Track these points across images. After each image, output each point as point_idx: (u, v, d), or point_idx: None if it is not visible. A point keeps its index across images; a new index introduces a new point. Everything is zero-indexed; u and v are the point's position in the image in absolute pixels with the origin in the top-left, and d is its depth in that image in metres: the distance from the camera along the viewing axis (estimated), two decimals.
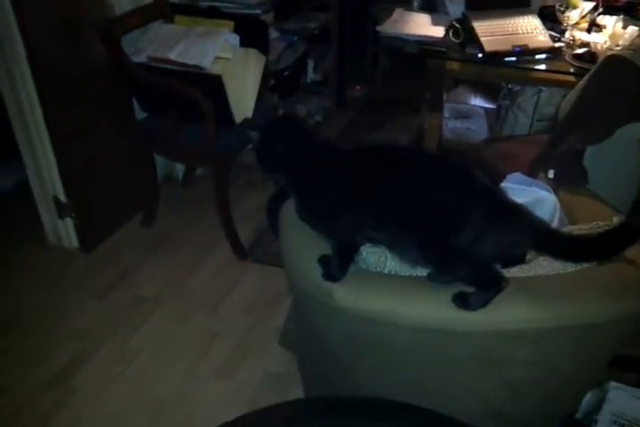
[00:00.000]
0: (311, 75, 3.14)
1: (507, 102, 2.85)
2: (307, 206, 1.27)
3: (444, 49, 2.27)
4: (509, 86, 2.85)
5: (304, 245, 1.38)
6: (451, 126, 3.01)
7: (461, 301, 1.17)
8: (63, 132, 2.27)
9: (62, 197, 2.41)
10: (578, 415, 1.68)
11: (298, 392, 1.89)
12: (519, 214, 1.14)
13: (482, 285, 1.15)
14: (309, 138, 1.28)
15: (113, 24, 2.14)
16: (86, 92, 2.31)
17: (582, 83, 1.74)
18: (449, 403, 1.40)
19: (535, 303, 1.19)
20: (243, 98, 2.22)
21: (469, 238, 1.11)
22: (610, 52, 1.67)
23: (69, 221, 2.47)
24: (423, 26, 2.39)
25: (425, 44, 2.32)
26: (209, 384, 2.01)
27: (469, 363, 1.30)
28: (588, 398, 1.67)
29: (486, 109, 3.20)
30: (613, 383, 1.67)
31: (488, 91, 3.22)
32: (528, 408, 1.45)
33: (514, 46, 2.22)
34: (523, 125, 2.85)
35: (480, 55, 2.23)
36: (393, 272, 1.34)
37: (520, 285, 1.21)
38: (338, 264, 1.25)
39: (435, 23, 2.41)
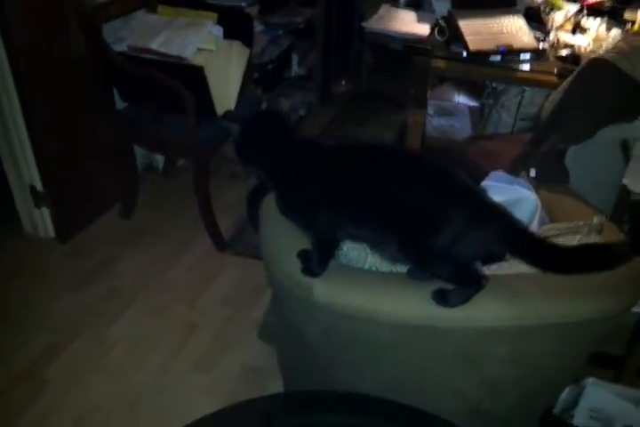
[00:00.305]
0: (296, 69, 3.12)
1: (490, 101, 2.87)
2: (287, 201, 1.26)
3: (429, 47, 2.27)
4: (493, 85, 2.87)
5: (284, 240, 1.37)
6: (434, 124, 3.01)
7: (441, 298, 1.17)
8: (40, 121, 2.23)
9: (39, 186, 2.37)
10: (555, 411, 1.70)
11: (277, 386, 1.87)
12: (499, 215, 1.15)
13: (461, 283, 1.16)
14: (291, 133, 1.27)
15: (94, 12, 2.10)
16: (65, 81, 2.27)
17: (566, 84, 1.75)
18: (428, 400, 1.41)
19: (515, 301, 1.20)
20: (225, 90, 2.19)
21: (449, 238, 1.12)
22: (594, 55, 1.68)
23: (46, 211, 2.43)
24: (409, 23, 2.39)
25: (410, 41, 2.32)
26: (187, 377, 1.99)
27: (449, 360, 1.31)
28: (566, 393, 1.69)
29: (470, 107, 3.21)
30: (591, 379, 1.69)
31: (472, 89, 3.23)
32: (507, 405, 1.46)
33: (498, 46, 2.22)
34: (506, 124, 2.86)
35: (465, 54, 2.24)
36: (373, 268, 1.35)
37: (500, 283, 1.22)
38: (318, 259, 1.25)
39: (420, 21, 2.40)
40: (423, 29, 2.35)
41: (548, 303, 1.22)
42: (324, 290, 1.24)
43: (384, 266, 1.32)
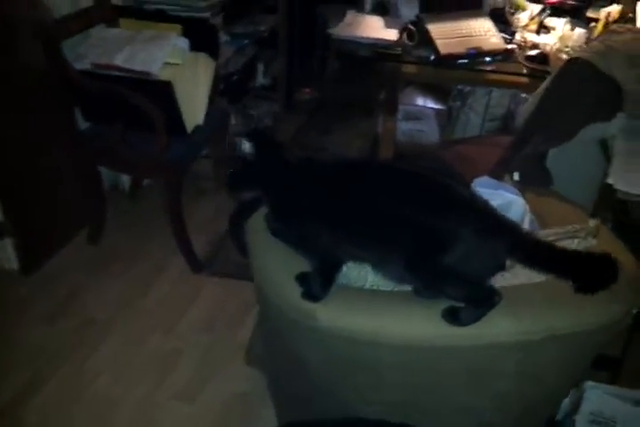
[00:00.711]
0: (261, 79, 3.06)
1: (458, 103, 2.86)
2: (286, 224, 1.19)
3: (399, 52, 2.24)
4: (459, 87, 2.86)
5: (279, 263, 1.30)
6: (403, 129, 2.97)
7: (452, 316, 1.13)
8: None
9: None
10: (558, 417, 1.67)
11: (267, 412, 1.80)
12: (507, 227, 1.11)
13: (474, 301, 1.11)
14: (282, 153, 1.21)
15: (52, 29, 1.98)
16: (23, 102, 2.14)
17: (545, 85, 1.74)
18: (435, 418, 1.37)
19: (525, 315, 1.16)
20: (193, 105, 2.11)
21: (459, 255, 1.07)
22: (572, 55, 1.67)
23: (8, 242, 2.29)
24: (376, 29, 2.35)
25: (379, 46, 2.28)
26: (173, 408, 1.90)
27: (457, 378, 1.26)
28: (567, 399, 1.67)
29: (435, 110, 3.19)
30: (589, 383, 1.67)
31: (436, 92, 3.22)
32: (513, 417, 1.42)
33: (468, 49, 2.21)
34: (474, 126, 2.86)
35: (435, 58, 2.21)
36: (375, 287, 1.28)
37: (506, 295, 1.17)
38: (320, 283, 1.18)
39: (388, 26, 2.37)
40: (391, 35, 2.31)
41: (558, 314, 1.18)
42: (328, 315, 1.18)
43: (386, 284, 1.26)
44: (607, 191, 1.73)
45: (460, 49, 2.20)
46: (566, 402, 1.68)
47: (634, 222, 1.59)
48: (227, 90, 2.58)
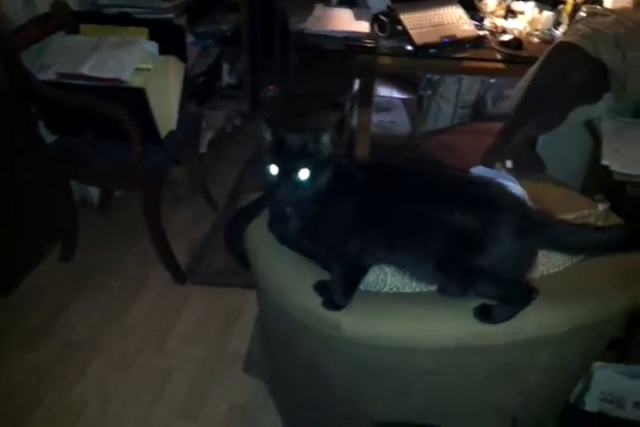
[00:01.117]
0: (227, 78, 2.96)
1: (429, 92, 2.83)
2: (314, 230, 1.13)
3: (373, 44, 2.19)
4: (428, 76, 2.84)
5: (293, 273, 1.24)
6: (374, 121, 2.93)
7: (485, 315, 1.09)
8: None
9: None
10: (571, 400, 1.67)
11: (271, 421, 1.76)
12: (542, 222, 1.09)
13: (511, 300, 1.08)
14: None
15: (9, 38, 1.83)
16: None
17: (532, 70, 1.72)
18: (459, 418, 1.33)
19: (555, 307, 1.14)
20: (166, 110, 2.01)
21: (495, 256, 1.04)
22: (561, 39, 1.66)
23: None
24: (347, 21, 2.29)
25: (352, 39, 2.23)
26: None
27: (488, 376, 1.23)
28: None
29: (404, 100, 3.17)
30: (598, 363, 1.68)
31: (402, 81, 3.19)
32: (538, 409, 1.40)
33: (442, 37, 2.18)
34: (446, 114, 2.85)
35: (410, 48, 2.17)
36: (395, 289, 1.23)
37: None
38: (343, 290, 1.13)
39: (358, 18, 2.32)
40: (363, 27, 2.26)
41: (587, 304, 1.16)
42: (353, 323, 1.12)
43: (406, 285, 1.21)
44: (601, 173, 1.73)
45: (435, 38, 2.17)
46: (578, 385, 1.69)
47: (631, 203, 1.58)
48: (194, 92, 2.48)
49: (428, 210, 1.07)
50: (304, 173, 1.03)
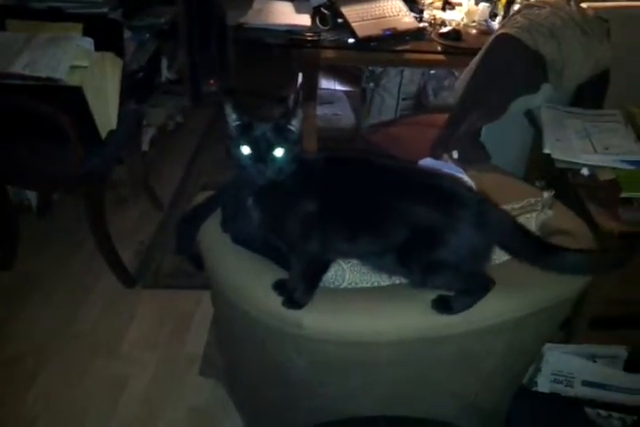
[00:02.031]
0: (166, 73, 2.87)
1: (372, 84, 2.85)
2: (274, 226, 1.11)
3: (315, 37, 2.18)
4: (370, 68, 2.85)
5: (251, 274, 1.22)
6: (318, 114, 2.93)
7: (443, 306, 1.11)
8: None
9: None
10: (524, 382, 1.72)
11: (232, 423, 1.75)
12: (500, 217, 1.11)
13: (469, 291, 1.10)
14: None
15: None
16: None
17: (474, 62, 1.75)
18: (421, 406, 1.35)
19: (513, 294, 1.16)
20: (105, 109, 1.93)
21: (454, 247, 1.05)
22: (500, 31, 1.69)
23: None
24: (288, 14, 2.26)
25: (294, 33, 2.20)
26: None
27: (448, 365, 1.25)
28: None
29: (346, 93, 3.17)
30: (547, 345, 1.73)
31: (346, 74, 3.19)
32: (495, 393, 1.44)
33: (384, 30, 2.19)
34: (389, 106, 2.87)
35: (352, 41, 2.17)
36: (353, 284, 1.23)
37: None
38: (304, 288, 1.12)
39: (298, 11, 2.29)
40: (304, 20, 2.24)
41: (540, 289, 1.19)
42: (315, 321, 1.12)
43: (364, 280, 1.22)
44: (543, 161, 1.78)
45: (377, 31, 2.18)
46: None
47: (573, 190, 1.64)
48: (134, 89, 2.40)
49: (389, 202, 1.07)
50: (279, 151, 1.02)
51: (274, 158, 1.02)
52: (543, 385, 1.75)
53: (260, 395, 1.53)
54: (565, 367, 1.76)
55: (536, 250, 1.10)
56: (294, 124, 1.04)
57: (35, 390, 1.87)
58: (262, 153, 1.02)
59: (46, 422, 1.78)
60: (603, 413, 1.62)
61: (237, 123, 1.04)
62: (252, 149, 1.02)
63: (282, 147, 1.02)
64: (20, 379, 1.90)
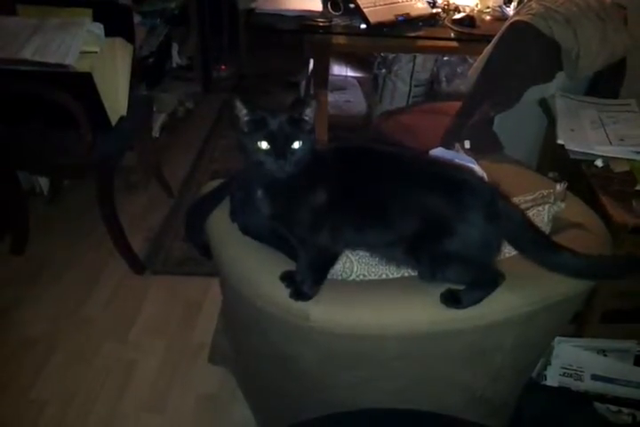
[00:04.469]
0: (177, 59, 2.86)
1: (383, 71, 2.81)
2: (283, 217, 1.10)
3: (327, 23, 2.14)
4: (383, 55, 2.81)
5: (259, 264, 1.21)
6: (330, 100, 2.90)
7: (452, 300, 1.10)
8: None
9: None
10: (533, 375, 1.71)
11: (241, 411, 1.75)
12: (513, 213, 1.09)
13: (479, 285, 1.09)
14: None
15: None
16: None
17: (488, 50, 1.72)
18: (431, 399, 1.35)
19: (523, 289, 1.15)
20: (115, 95, 1.92)
21: (465, 239, 1.04)
22: (514, 18, 1.65)
23: None
24: (299, 0, 2.23)
25: (306, 19, 2.17)
26: (140, 422, 1.77)
27: (456, 359, 1.24)
28: None
29: (358, 79, 3.15)
30: (557, 338, 1.72)
31: (356, 60, 3.16)
32: (503, 387, 1.43)
33: (397, 16, 2.15)
34: (401, 92, 2.84)
35: (364, 27, 2.14)
36: (361, 277, 1.22)
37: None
38: (312, 280, 1.11)
39: None
40: (316, 5, 2.21)
41: (551, 284, 1.17)
42: (323, 313, 1.11)
43: (373, 273, 1.21)
44: (556, 152, 1.75)
45: (390, 16, 2.14)
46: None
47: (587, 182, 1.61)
48: (144, 74, 2.39)
49: (398, 192, 1.06)
50: (298, 144, 1.00)
51: (293, 152, 1.00)
52: (552, 379, 1.74)
53: (266, 385, 1.53)
54: (575, 361, 1.75)
55: (542, 248, 1.08)
56: (308, 115, 1.02)
57: (44, 374, 1.89)
58: (281, 147, 1.00)
59: (55, 407, 1.80)
60: (612, 408, 1.60)
61: (249, 117, 1.02)
62: (270, 143, 1.00)
63: (300, 139, 1.00)
64: (30, 363, 1.92)
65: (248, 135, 1.01)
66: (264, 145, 1.00)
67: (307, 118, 1.02)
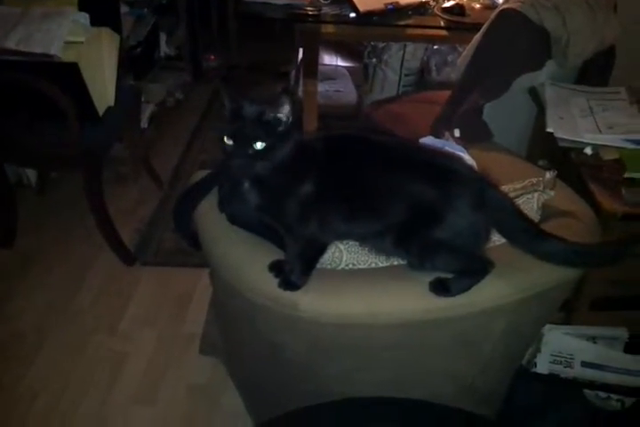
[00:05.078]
0: (165, 49, 2.83)
1: (373, 60, 2.80)
2: (271, 208, 1.09)
3: (316, 12, 2.13)
4: (373, 44, 2.79)
5: (248, 254, 1.21)
6: (320, 90, 2.88)
7: (441, 288, 1.09)
8: None
9: None
10: (523, 362, 1.72)
11: (231, 400, 1.75)
12: (502, 201, 1.09)
13: (468, 273, 1.08)
14: None
15: None
16: None
17: (477, 38, 1.71)
18: (421, 388, 1.35)
19: (512, 276, 1.15)
20: (102, 85, 1.90)
21: (454, 228, 1.03)
22: (503, 6, 1.64)
23: None
24: None
25: (294, 7, 2.15)
26: (130, 413, 1.77)
27: (446, 348, 1.24)
28: None
29: (349, 69, 3.12)
30: (547, 325, 1.73)
31: (348, 49, 3.14)
32: (494, 374, 1.44)
33: (386, 4, 2.14)
34: (392, 81, 2.82)
35: (354, 15, 2.12)
36: (350, 266, 1.22)
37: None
38: (301, 269, 1.11)
39: None
40: None
41: (540, 271, 1.17)
42: (312, 303, 1.11)
43: (362, 262, 1.20)
44: (546, 140, 1.75)
45: (379, 5, 2.13)
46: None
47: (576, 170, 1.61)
48: (132, 65, 2.37)
49: (387, 181, 1.05)
50: (260, 145, 0.98)
51: (255, 152, 0.98)
52: (542, 366, 1.75)
53: (257, 375, 1.53)
54: (565, 348, 1.76)
55: (531, 237, 1.07)
56: (283, 112, 0.99)
57: (35, 366, 1.89)
58: (243, 145, 0.97)
59: (46, 399, 1.80)
60: (602, 394, 1.62)
61: (229, 105, 1.00)
62: (234, 142, 0.98)
63: (264, 141, 0.97)
64: (19, 356, 1.91)
65: (225, 126, 0.99)
66: (228, 139, 0.99)
67: (281, 116, 0.99)
